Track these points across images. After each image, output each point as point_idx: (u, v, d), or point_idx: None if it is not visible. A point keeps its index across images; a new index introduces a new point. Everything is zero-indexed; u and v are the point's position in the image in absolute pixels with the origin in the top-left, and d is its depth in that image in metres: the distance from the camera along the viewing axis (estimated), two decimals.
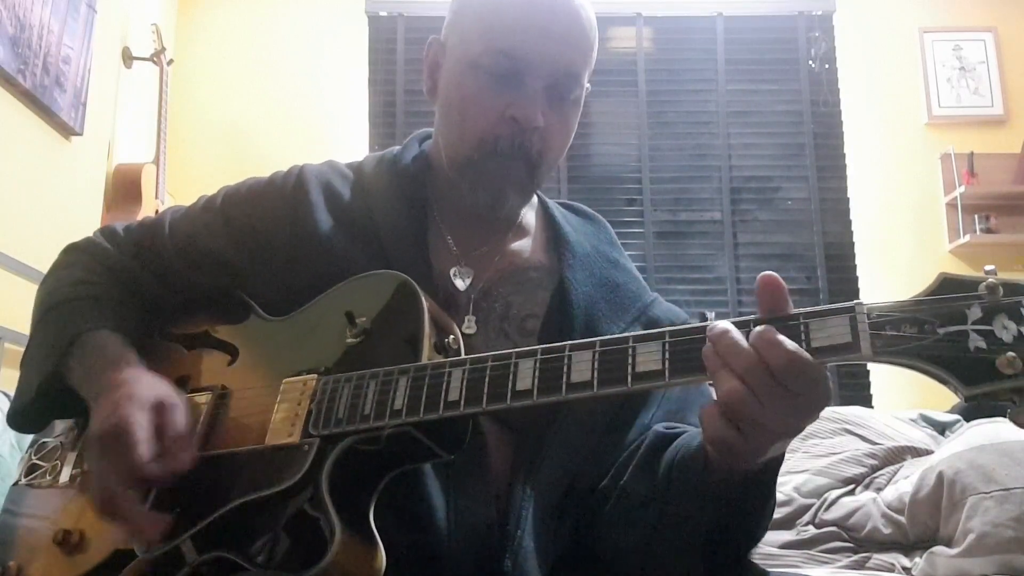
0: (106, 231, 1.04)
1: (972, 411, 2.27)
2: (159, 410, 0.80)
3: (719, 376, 0.64)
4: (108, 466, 0.77)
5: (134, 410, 0.78)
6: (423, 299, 0.80)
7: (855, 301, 0.63)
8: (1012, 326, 0.57)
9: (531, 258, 1.00)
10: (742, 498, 0.75)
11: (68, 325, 0.91)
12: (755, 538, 0.81)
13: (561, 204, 1.09)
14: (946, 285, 0.61)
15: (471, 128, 0.91)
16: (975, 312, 0.59)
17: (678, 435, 0.86)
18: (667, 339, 0.67)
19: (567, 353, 0.70)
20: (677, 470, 0.80)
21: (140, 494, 0.80)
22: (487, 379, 0.72)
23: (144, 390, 0.81)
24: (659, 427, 0.89)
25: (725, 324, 0.65)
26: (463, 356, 0.77)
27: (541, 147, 0.92)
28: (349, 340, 0.82)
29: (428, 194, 0.99)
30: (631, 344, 0.68)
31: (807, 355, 0.62)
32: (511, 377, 0.71)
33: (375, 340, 0.81)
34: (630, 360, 0.67)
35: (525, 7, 0.90)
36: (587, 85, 0.96)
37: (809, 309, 0.64)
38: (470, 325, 0.92)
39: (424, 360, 0.76)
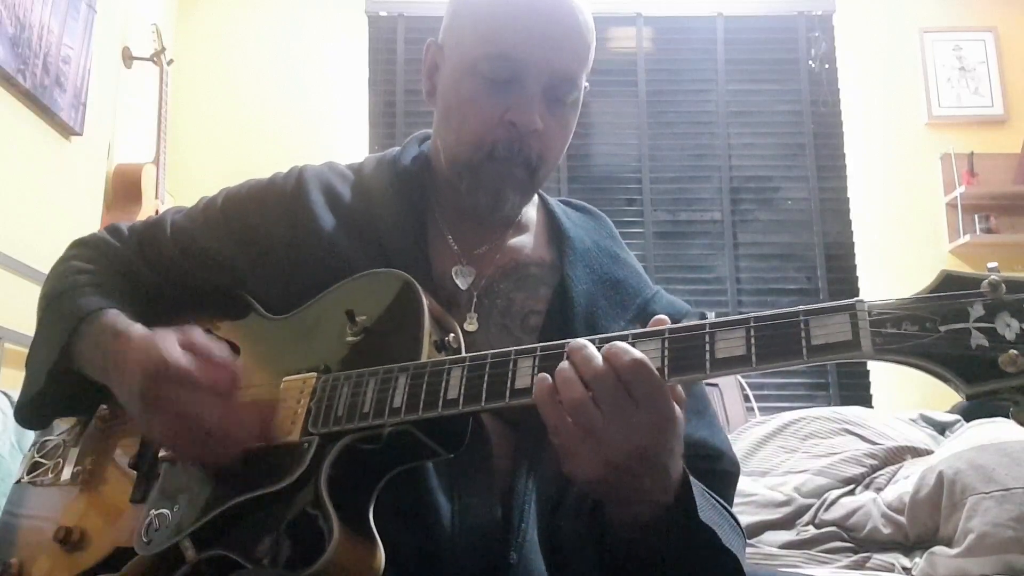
0: (111, 229, 1.04)
1: (972, 411, 2.27)
2: (184, 340, 0.81)
3: (567, 383, 0.67)
4: (172, 392, 0.77)
5: (164, 345, 0.79)
6: (423, 297, 0.80)
7: (856, 299, 0.62)
8: (1015, 324, 0.57)
9: (532, 254, 1.00)
10: (649, 550, 0.74)
11: (74, 309, 0.91)
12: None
13: (562, 201, 1.09)
14: (948, 282, 0.60)
15: (469, 132, 0.92)
16: (977, 310, 0.58)
17: None
18: (666, 336, 0.68)
19: (566, 351, 0.70)
20: (590, 515, 0.80)
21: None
22: (486, 377, 0.72)
23: (162, 334, 0.82)
24: None
25: (583, 340, 0.69)
26: (463, 354, 0.77)
27: (540, 150, 0.92)
28: (349, 338, 0.82)
29: (428, 194, 1.00)
30: (630, 341, 0.68)
31: (650, 363, 0.66)
32: (510, 375, 0.71)
33: (375, 338, 0.81)
34: None
35: (521, 10, 0.90)
36: (585, 85, 0.96)
37: (809, 307, 0.64)
38: (472, 322, 0.92)
39: (424, 358, 0.77)
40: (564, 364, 0.68)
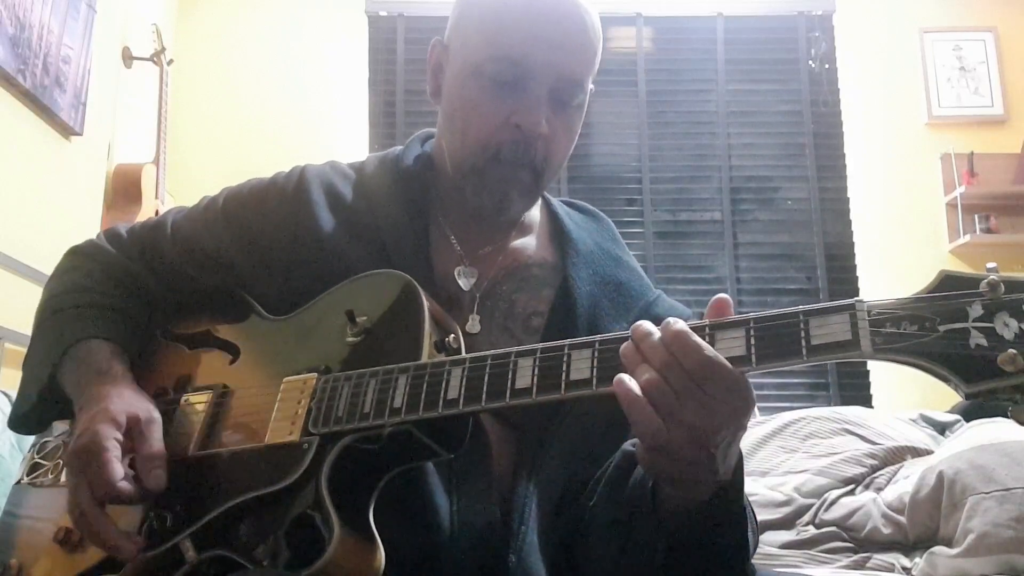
0: (109, 233, 1.04)
1: (972, 411, 2.27)
2: (132, 427, 0.82)
3: (638, 370, 0.65)
4: (80, 483, 0.78)
5: (107, 428, 0.80)
6: (423, 298, 0.80)
7: (855, 298, 0.63)
8: (1013, 323, 0.57)
9: (535, 255, 1.00)
10: (697, 530, 0.73)
11: (62, 334, 0.92)
12: (730, 566, 0.77)
13: (564, 202, 1.09)
14: (947, 282, 0.61)
15: (474, 134, 0.91)
16: (976, 309, 0.59)
17: None
18: None
19: (566, 351, 0.70)
20: (636, 497, 0.79)
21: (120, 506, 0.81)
22: (486, 377, 0.72)
23: (119, 406, 0.82)
24: (628, 444, 0.88)
25: (650, 326, 0.66)
26: (463, 355, 0.77)
27: (545, 153, 0.92)
28: (349, 339, 0.82)
29: (431, 195, 0.99)
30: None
31: (723, 361, 0.63)
32: (510, 375, 0.71)
33: (375, 339, 0.81)
34: None
35: (529, 13, 0.89)
36: (591, 87, 0.95)
37: (809, 306, 0.64)
38: (474, 324, 0.92)
39: (424, 359, 0.77)
40: (631, 349, 0.66)
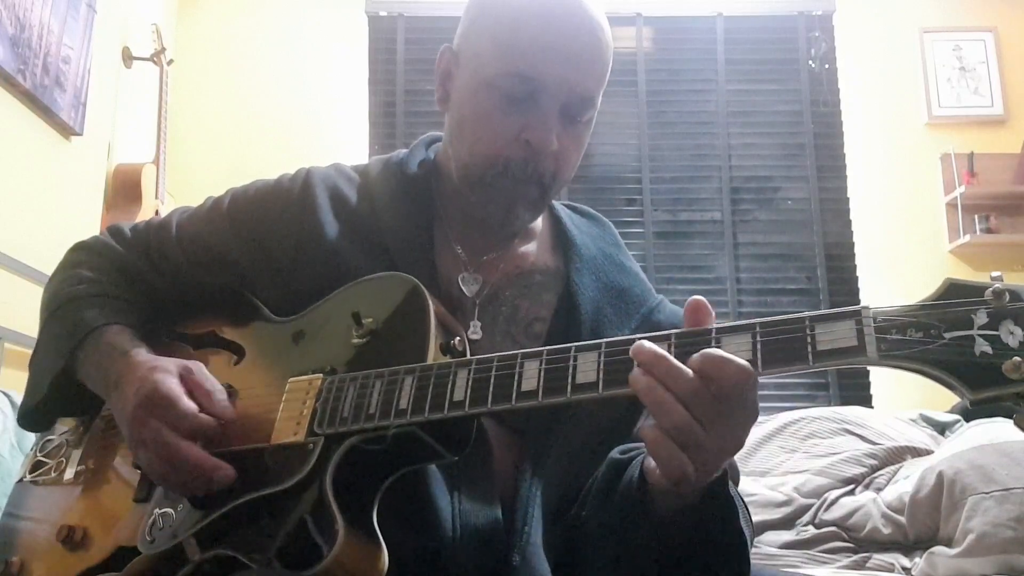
0: (113, 230, 1.04)
1: (972, 411, 2.27)
2: (184, 373, 0.82)
3: (663, 406, 0.64)
4: (159, 428, 0.78)
5: (164, 375, 0.81)
6: (430, 301, 0.80)
7: (861, 305, 0.63)
8: (1018, 331, 0.58)
9: (537, 261, 1.00)
10: (696, 524, 0.75)
11: (78, 322, 0.91)
12: (731, 558, 0.77)
13: (566, 206, 1.09)
14: (952, 290, 0.61)
15: (483, 147, 0.91)
16: (981, 317, 0.59)
17: (632, 460, 0.85)
18: (672, 341, 0.68)
19: (573, 354, 0.70)
20: (626, 502, 0.80)
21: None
22: (492, 380, 0.72)
23: (165, 362, 0.84)
24: (616, 452, 0.88)
25: (655, 348, 0.65)
26: (469, 357, 0.77)
27: (554, 170, 0.91)
28: (355, 341, 0.82)
29: (435, 201, 0.99)
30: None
31: (747, 364, 0.63)
32: (516, 378, 0.71)
33: (381, 341, 0.81)
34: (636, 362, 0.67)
35: (545, 28, 0.88)
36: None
37: (815, 312, 0.64)
38: (475, 331, 0.92)
39: (430, 361, 0.77)
40: (650, 384, 0.64)
